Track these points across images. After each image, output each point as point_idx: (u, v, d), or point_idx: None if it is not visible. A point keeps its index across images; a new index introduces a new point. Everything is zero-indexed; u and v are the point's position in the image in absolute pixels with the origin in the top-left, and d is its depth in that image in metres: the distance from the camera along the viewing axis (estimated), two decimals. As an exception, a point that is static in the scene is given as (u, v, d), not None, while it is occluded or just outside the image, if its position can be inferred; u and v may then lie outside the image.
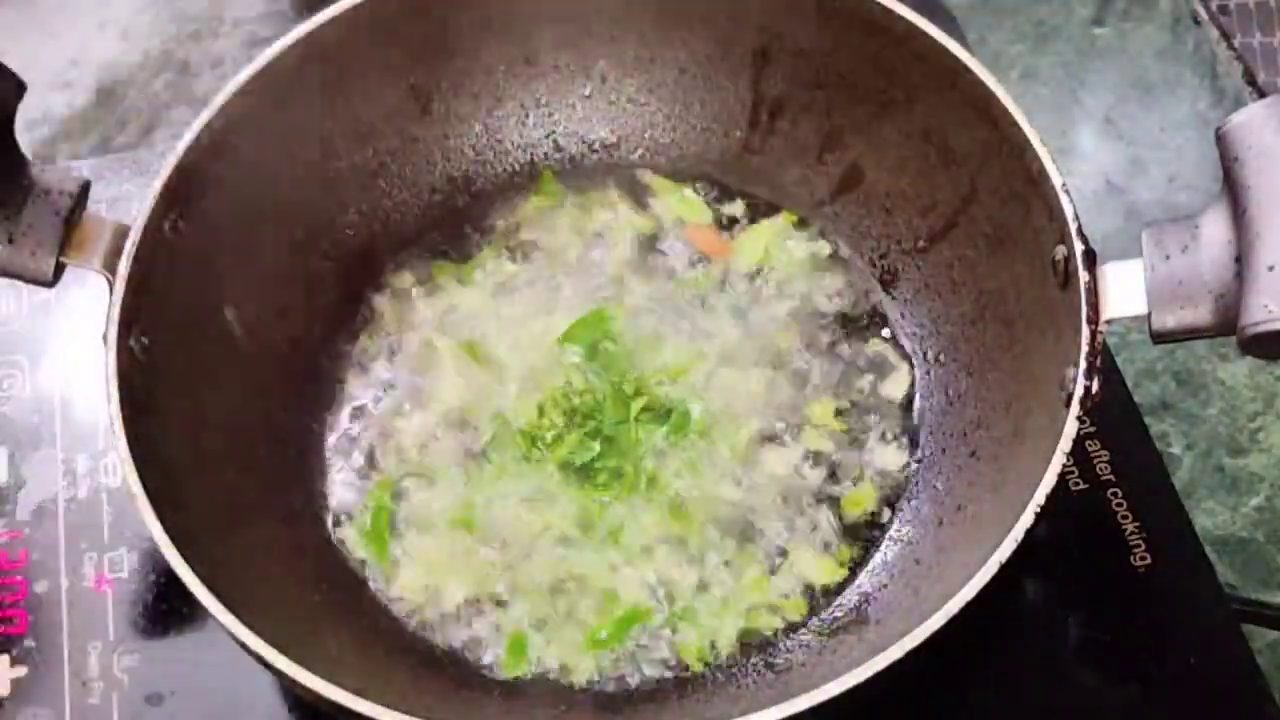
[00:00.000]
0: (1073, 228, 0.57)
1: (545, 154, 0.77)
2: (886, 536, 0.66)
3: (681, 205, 0.75)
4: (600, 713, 0.62)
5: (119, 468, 0.59)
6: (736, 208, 0.75)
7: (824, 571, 0.65)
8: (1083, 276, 0.56)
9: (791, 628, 0.64)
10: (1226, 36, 0.89)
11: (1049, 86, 0.88)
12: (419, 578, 0.65)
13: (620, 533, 0.65)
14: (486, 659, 0.63)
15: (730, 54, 0.73)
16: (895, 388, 0.70)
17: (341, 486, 0.68)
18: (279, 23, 0.89)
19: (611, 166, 0.77)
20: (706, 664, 0.63)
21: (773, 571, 0.65)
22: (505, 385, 0.70)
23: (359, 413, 0.70)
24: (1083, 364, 0.55)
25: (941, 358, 0.70)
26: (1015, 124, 0.60)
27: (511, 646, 0.63)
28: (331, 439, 0.69)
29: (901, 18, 0.64)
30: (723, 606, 0.64)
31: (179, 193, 0.62)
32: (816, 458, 0.68)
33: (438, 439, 0.68)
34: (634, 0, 0.72)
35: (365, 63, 0.69)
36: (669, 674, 0.63)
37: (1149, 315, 0.55)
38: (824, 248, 0.74)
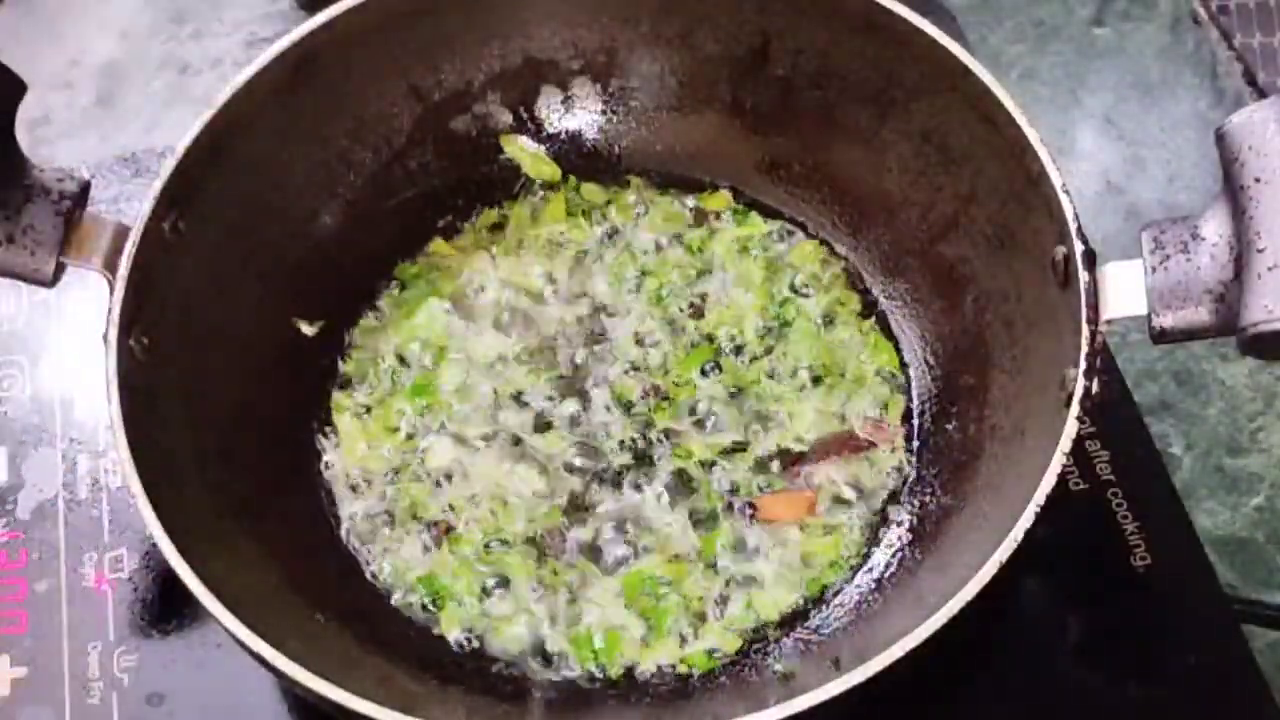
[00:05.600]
0: (1072, 228, 0.57)
1: (545, 153, 0.77)
2: (887, 536, 0.66)
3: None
4: (604, 709, 0.62)
5: (119, 468, 0.59)
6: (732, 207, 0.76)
7: (824, 572, 0.65)
8: (1083, 277, 0.56)
9: (790, 628, 0.64)
10: (1226, 36, 0.89)
11: (1049, 86, 0.88)
12: (424, 574, 0.65)
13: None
14: (491, 657, 0.63)
15: (730, 53, 0.73)
16: (895, 388, 0.70)
17: (343, 485, 0.68)
18: (279, 23, 0.89)
19: (609, 166, 0.77)
20: (705, 664, 0.63)
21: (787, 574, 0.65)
22: (514, 372, 0.70)
23: (360, 410, 0.70)
24: (1083, 364, 0.55)
25: (941, 358, 0.70)
26: (1015, 124, 0.60)
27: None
28: (333, 438, 0.69)
29: (901, 18, 0.64)
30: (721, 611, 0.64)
31: (179, 193, 0.62)
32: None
33: (444, 434, 0.69)
34: (634, 1, 0.72)
35: (365, 63, 0.69)
36: (668, 673, 0.63)
37: (1149, 315, 0.55)
38: (822, 248, 0.74)
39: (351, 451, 0.68)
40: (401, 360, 0.71)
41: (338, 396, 0.70)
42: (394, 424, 0.69)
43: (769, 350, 0.71)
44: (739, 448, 0.68)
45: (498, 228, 0.75)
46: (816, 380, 0.70)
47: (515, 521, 0.66)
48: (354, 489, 0.68)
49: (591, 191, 0.76)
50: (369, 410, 0.70)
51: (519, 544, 0.66)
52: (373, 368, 0.71)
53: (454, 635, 0.64)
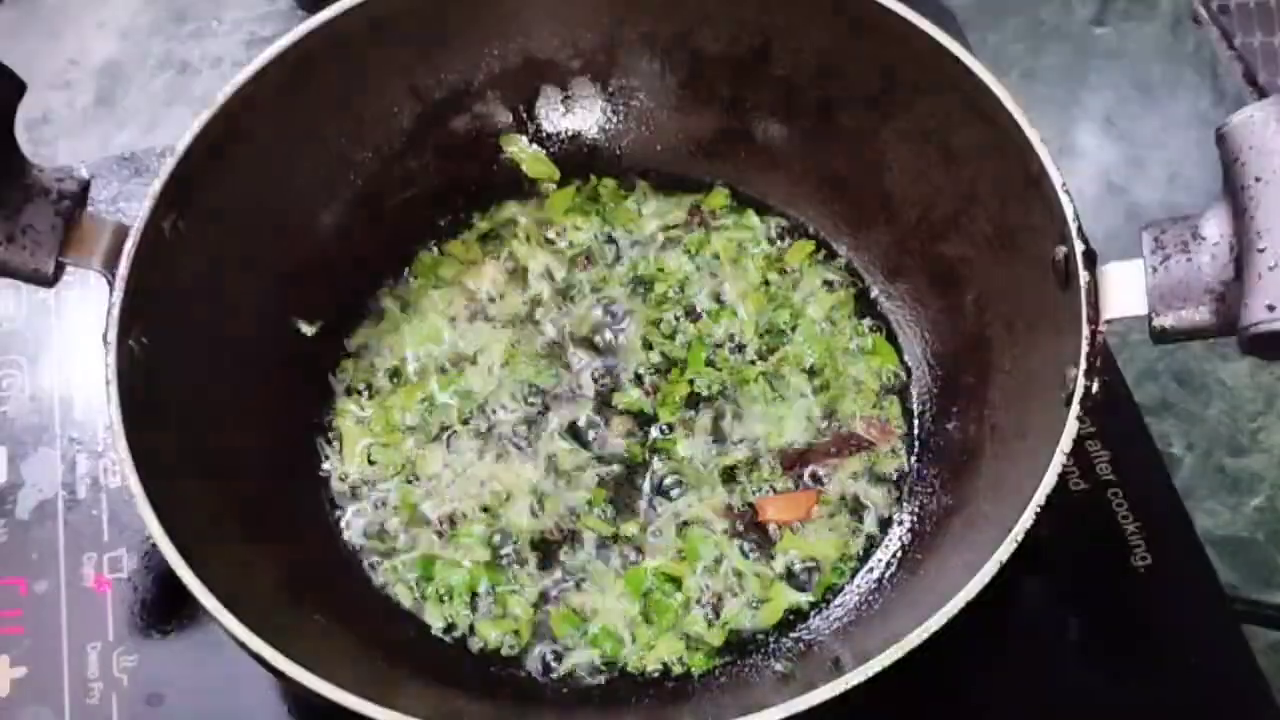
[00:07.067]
0: (1073, 227, 0.57)
1: (546, 154, 0.77)
2: (887, 536, 0.66)
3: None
4: (604, 709, 0.62)
5: (118, 467, 0.59)
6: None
7: (825, 573, 0.65)
8: (1083, 276, 0.56)
9: (790, 628, 0.64)
10: (1227, 36, 0.89)
11: (1049, 86, 0.88)
12: (424, 575, 0.65)
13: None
14: (490, 656, 0.63)
15: (730, 53, 0.72)
16: (895, 388, 0.70)
17: (343, 486, 0.68)
18: (279, 22, 0.89)
19: (609, 166, 0.77)
20: (705, 663, 0.63)
21: (787, 574, 0.65)
22: (513, 373, 0.70)
23: (361, 410, 0.70)
24: (1083, 364, 0.55)
25: (941, 358, 0.70)
26: (1015, 124, 0.60)
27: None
28: (334, 438, 0.69)
29: (902, 17, 0.64)
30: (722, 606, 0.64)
31: (179, 193, 0.62)
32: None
33: (444, 436, 0.69)
34: (634, 0, 0.72)
35: (365, 63, 0.69)
36: (669, 672, 0.63)
37: (1149, 315, 0.55)
38: (822, 248, 0.74)
39: (351, 452, 0.68)
40: (401, 361, 0.71)
41: (338, 397, 0.70)
42: (394, 425, 0.69)
43: (769, 350, 0.71)
44: (739, 448, 0.68)
45: (498, 228, 0.75)
46: (816, 380, 0.70)
47: (516, 522, 0.66)
48: (354, 490, 0.67)
49: (591, 191, 0.76)
50: (369, 411, 0.70)
51: (521, 544, 0.66)
52: (372, 368, 0.71)
53: (452, 634, 0.64)
